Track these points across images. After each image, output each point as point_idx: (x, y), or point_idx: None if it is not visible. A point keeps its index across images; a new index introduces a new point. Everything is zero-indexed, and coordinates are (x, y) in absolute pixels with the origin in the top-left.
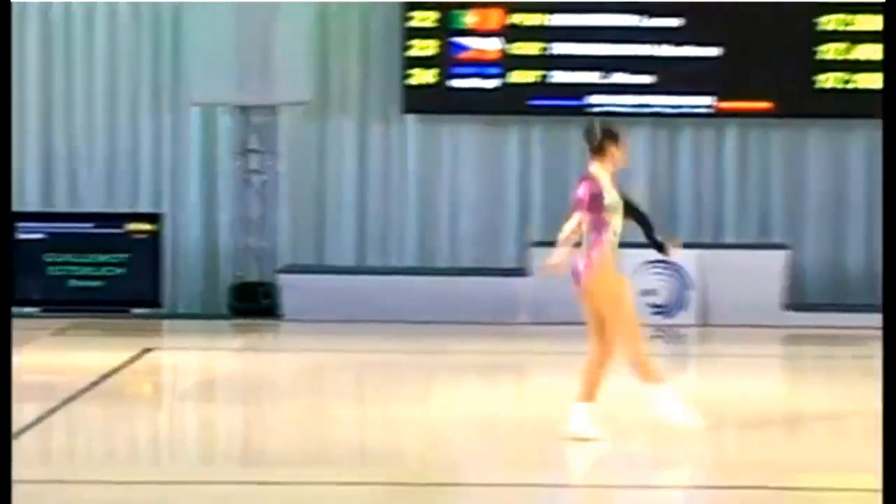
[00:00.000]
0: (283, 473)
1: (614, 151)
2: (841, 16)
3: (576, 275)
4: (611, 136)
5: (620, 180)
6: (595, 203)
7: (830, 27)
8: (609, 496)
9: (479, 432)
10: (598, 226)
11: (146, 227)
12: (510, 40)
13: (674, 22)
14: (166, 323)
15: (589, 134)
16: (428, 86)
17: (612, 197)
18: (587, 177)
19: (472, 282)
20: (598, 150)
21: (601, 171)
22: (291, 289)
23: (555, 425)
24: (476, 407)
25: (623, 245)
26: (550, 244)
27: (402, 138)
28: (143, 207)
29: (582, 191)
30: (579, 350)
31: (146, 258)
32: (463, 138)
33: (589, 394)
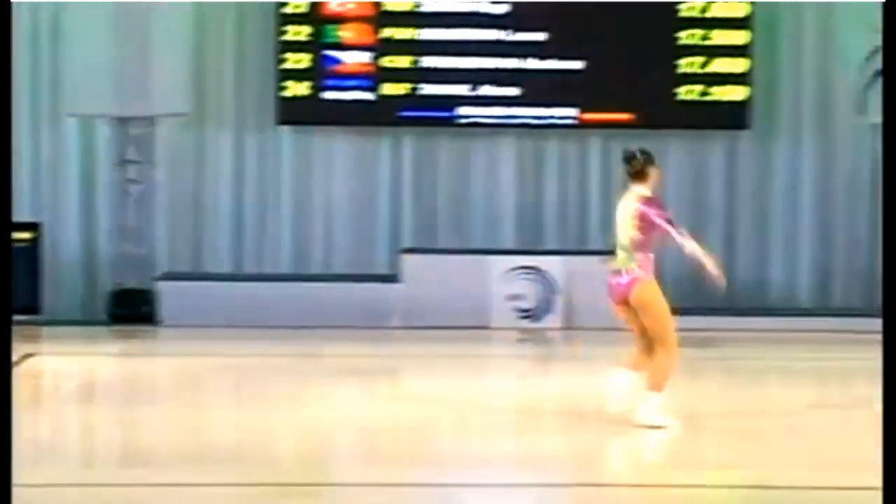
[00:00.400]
0: (162, 476)
1: (653, 173)
2: (700, 31)
3: (616, 289)
4: (650, 159)
5: (491, 189)
6: (649, 223)
7: (690, 42)
8: (480, 495)
9: (353, 434)
10: (647, 245)
11: (25, 235)
12: (381, 54)
13: (539, 36)
14: (46, 329)
15: (632, 159)
16: (302, 98)
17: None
18: (648, 199)
19: (345, 288)
20: (640, 174)
21: (647, 192)
22: (169, 295)
23: (427, 426)
24: (351, 409)
25: (490, 252)
26: (421, 251)
27: (277, 149)
28: (22, 217)
29: (654, 212)
30: (449, 353)
31: (25, 266)
32: (336, 149)
33: (659, 385)
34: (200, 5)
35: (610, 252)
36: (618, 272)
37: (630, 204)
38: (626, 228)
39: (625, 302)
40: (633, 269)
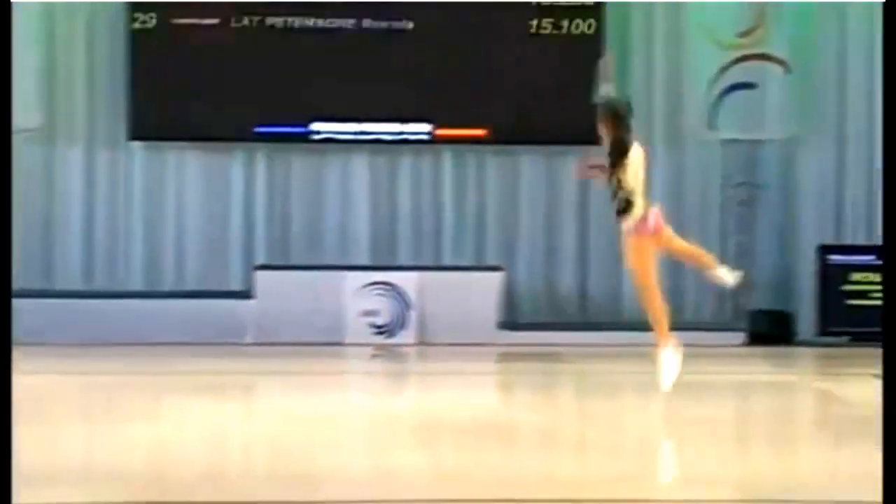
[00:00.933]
0: (15, 496)
1: None
2: (553, 45)
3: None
4: None
5: (344, 205)
6: None
7: (542, 58)
8: None
9: (206, 451)
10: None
11: None
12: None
13: (393, 51)
14: None
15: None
16: (153, 113)
17: None
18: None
19: (198, 304)
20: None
21: None
22: (20, 312)
23: (282, 443)
24: (204, 426)
25: (344, 268)
26: (274, 267)
27: (129, 164)
28: None
29: None
30: (303, 369)
31: None
32: (188, 165)
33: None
34: (51, 21)
35: None
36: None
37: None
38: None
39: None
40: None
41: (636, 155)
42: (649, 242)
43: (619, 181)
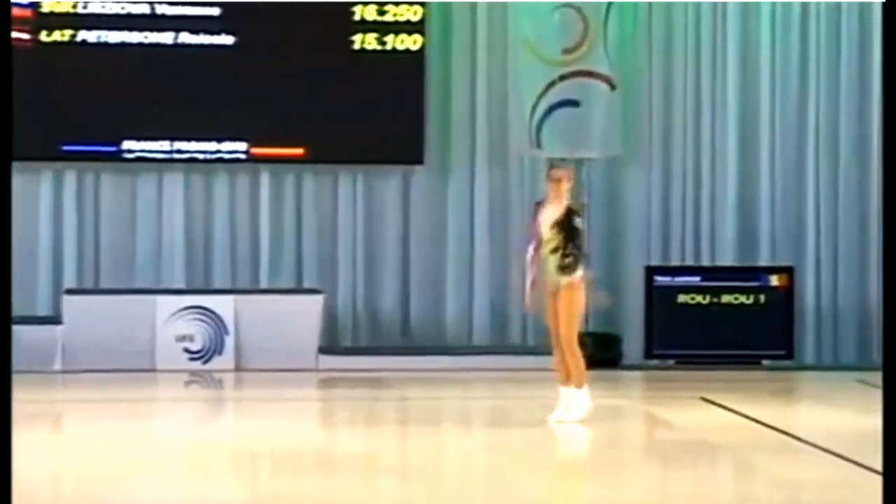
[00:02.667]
0: None
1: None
2: (375, 64)
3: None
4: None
5: (158, 225)
6: None
7: (363, 76)
8: None
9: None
10: None
11: None
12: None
13: (211, 70)
14: None
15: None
16: None
17: None
18: None
19: None
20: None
21: None
22: None
23: (90, 473)
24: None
25: (157, 291)
26: (84, 291)
27: None
28: None
29: None
30: (114, 397)
31: None
32: None
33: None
34: None
35: None
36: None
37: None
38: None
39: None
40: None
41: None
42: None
43: (571, 241)
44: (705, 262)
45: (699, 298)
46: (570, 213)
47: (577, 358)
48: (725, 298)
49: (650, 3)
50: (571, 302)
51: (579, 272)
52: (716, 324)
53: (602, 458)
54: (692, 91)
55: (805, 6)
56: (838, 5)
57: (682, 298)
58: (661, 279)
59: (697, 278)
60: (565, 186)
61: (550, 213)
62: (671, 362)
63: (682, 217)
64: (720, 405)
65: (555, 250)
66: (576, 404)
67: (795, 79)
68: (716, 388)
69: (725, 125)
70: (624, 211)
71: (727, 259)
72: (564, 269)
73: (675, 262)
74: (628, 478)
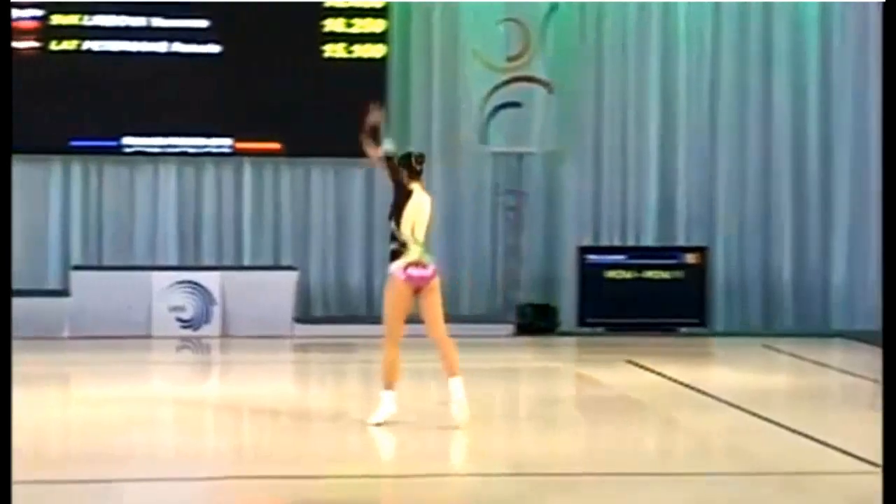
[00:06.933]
0: None
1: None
2: (342, 66)
3: (421, 280)
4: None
5: (154, 211)
6: None
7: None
8: (144, 489)
9: (23, 434)
10: None
11: None
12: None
13: (200, 75)
14: None
15: (424, 159)
16: None
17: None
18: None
19: (18, 302)
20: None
21: None
22: None
23: (95, 426)
24: (22, 412)
25: (153, 268)
26: (89, 268)
27: None
28: None
29: None
30: (115, 360)
31: None
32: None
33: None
34: None
35: None
36: (418, 264)
37: (427, 201)
38: (426, 224)
39: (419, 291)
40: (430, 262)
41: (418, 202)
42: (408, 292)
43: (397, 226)
44: (630, 243)
45: (625, 274)
46: (397, 191)
47: (384, 357)
48: (647, 274)
49: (583, 16)
50: (386, 291)
51: (401, 262)
52: (639, 296)
53: (538, 412)
54: (618, 92)
55: (717, 6)
56: (747, 4)
57: (610, 274)
58: (592, 258)
59: (623, 257)
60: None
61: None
62: (601, 329)
63: (609, 203)
64: (643, 367)
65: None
66: (379, 407)
67: (707, 77)
68: (639, 352)
69: (647, 123)
70: (560, 198)
71: (649, 240)
72: (391, 257)
73: (604, 243)
74: (562, 430)
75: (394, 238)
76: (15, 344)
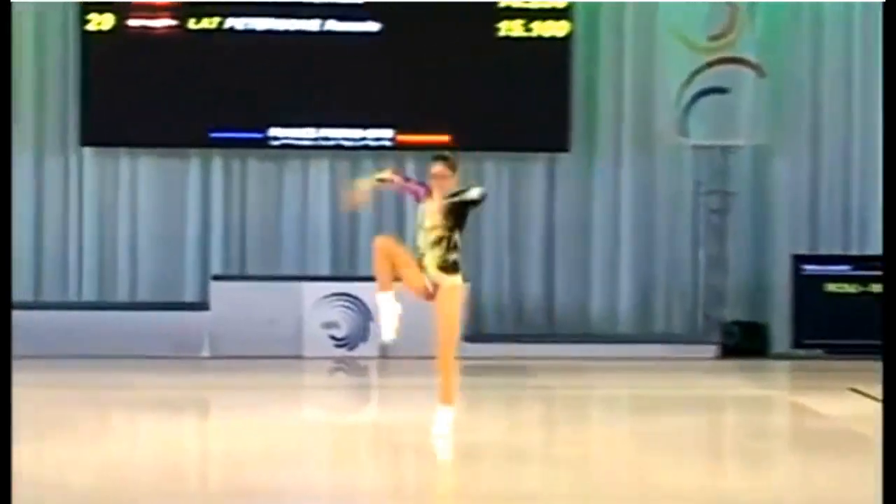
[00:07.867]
0: None
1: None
2: (519, 53)
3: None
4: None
5: (304, 213)
6: None
7: (509, 64)
8: None
9: (159, 468)
10: None
11: None
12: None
13: (357, 57)
14: None
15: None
16: (107, 117)
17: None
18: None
19: (152, 316)
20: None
21: None
22: None
23: (238, 459)
24: (158, 442)
25: (303, 278)
26: (231, 278)
27: (80, 171)
28: None
29: None
30: (261, 384)
31: None
32: (142, 171)
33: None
34: None
35: None
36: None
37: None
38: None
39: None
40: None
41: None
42: None
43: (453, 239)
44: (854, 251)
45: (848, 287)
46: (465, 203)
47: (448, 370)
48: (874, 288)
49: None
50: (455, 302)
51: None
52: (864, 313)
53: (750, 447)
54: (842, 79)
55: None
56: None
57: (830, 287)
58: (809, 268)
59: (846, 267)
60: (450, 182)
61: (433, 206)
62: (819, 352)
63: (830, 205)
64: (869, 396)
65: (438, 242)
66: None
67: None
68: (864, 378)
69: (875, 114)
70: (772, 199)
71: (876, 248)
72: (447, 268)
73: (823, 251)
74: (775, 467)
75: (456, 247)
76: (148, 364)
